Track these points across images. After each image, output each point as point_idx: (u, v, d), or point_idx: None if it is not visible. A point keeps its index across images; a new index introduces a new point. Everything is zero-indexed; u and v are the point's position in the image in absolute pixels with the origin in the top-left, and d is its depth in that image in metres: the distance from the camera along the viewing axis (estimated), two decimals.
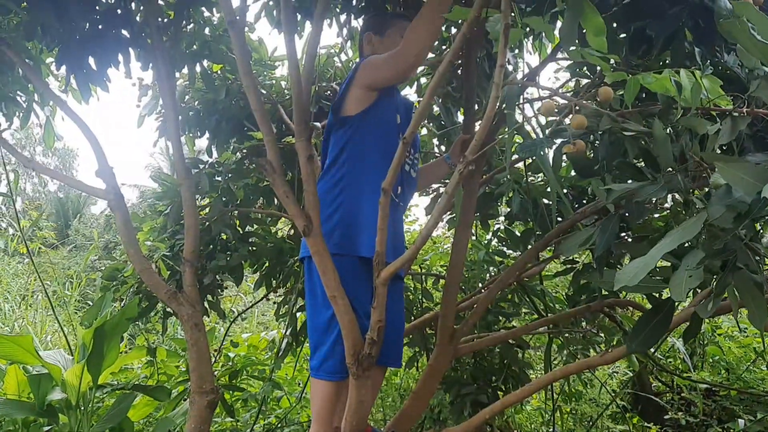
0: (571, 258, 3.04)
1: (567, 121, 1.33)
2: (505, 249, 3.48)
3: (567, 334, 3.14)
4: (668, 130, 1.28)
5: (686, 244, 1.11)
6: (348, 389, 2.04)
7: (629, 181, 1.30)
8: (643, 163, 1.36)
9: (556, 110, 1.22)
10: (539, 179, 3.21)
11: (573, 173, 3.09)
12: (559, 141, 1.52)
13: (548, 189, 2.98)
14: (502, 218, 3.42)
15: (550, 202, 2.83)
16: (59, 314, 5.82)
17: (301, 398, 4.02)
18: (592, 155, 1.46)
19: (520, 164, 2.94)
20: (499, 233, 3.43)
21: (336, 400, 2.12)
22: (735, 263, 1.14)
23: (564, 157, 1.87)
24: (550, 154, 1.81)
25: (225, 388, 3.55)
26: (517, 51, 3.15)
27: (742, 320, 4.67)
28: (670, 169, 1.25)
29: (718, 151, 1.29)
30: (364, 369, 1.90)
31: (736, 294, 1.18)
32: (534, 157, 1.66)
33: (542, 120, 1.77)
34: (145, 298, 3.36)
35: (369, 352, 1.87)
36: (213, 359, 3.89)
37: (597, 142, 1.45)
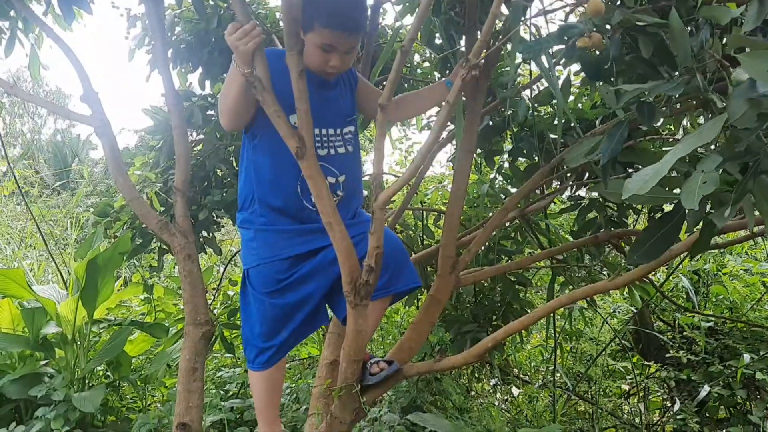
0: (576, 194, 2.95)
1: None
2: (509, 187, 3.39)
3: (570, 272, 3.08)
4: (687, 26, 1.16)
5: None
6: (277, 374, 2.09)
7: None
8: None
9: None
10: (545, 114, 3.09)
11: (579, 105, 2.97)
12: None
13: (555, 122, 2.87)
14: (506, 156, 3.31)
15: (556, 137, 2.73)
16: (58, 256, 5.78)
17: None
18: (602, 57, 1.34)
19: (526, 92, 2.82)
20: (503, 170, 3.33)
21: (271, 388, 2.12)
22: (758, 167, 1.03)
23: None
24: (562, 77, 1.69)
25: (224, 327, 3.52)
26: None
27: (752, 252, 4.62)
28: (687, 67, 1.13)
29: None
30: (361, 297, 1.84)
31: (753, 201, 1.08)
32: (535, 63, 1.54)
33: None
34: (139, 235, 3.29)
35: (366, 279, 1.80)
36: (212, 298, 3.86)
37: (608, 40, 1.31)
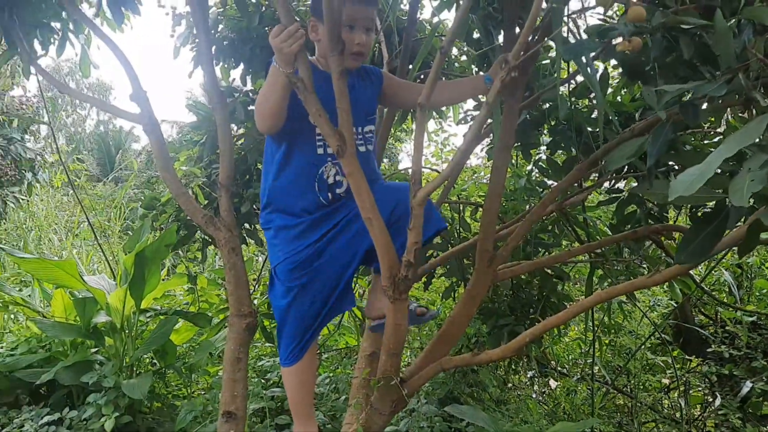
0: (615, 187, 2.93)
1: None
2: (546, 180, 3.38)
3: (609, 266, 3.06)
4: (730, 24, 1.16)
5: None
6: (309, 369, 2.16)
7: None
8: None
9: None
10: (583, 106, 3.07)
11: (618, 98, 2.95)
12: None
13: (593, 115, 2.85)
14: (543, 147, 3.30)
15: (595, 130, 2.71)
16: (103, 245, 5.97)
17: (339, 326, 4.06)
18: (643, 58, 1.34)
19: (563, 88, 2.81)
20: (540, 163, 3.33)
21: (300, 382, 2.18)
22: None
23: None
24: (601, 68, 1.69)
25: (264, 317, 3.60)
26: None
27: None
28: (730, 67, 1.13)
29: None
30: (400, 292, 1.88)
31: None
32: (576, 64, 1.55)
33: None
34: (183, 227, 3.39)
35: (406, 274, 1.84)
36: (253, 288, 3.95)
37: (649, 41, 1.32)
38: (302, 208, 2.07)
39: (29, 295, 3.78)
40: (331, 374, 3.44)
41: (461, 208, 3.46)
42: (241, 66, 3.66)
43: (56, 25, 3.24)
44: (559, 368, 4.38)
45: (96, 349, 3.41)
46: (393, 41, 3.11)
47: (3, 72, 3.19)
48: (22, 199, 7.76)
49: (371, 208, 1.84)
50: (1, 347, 3.57)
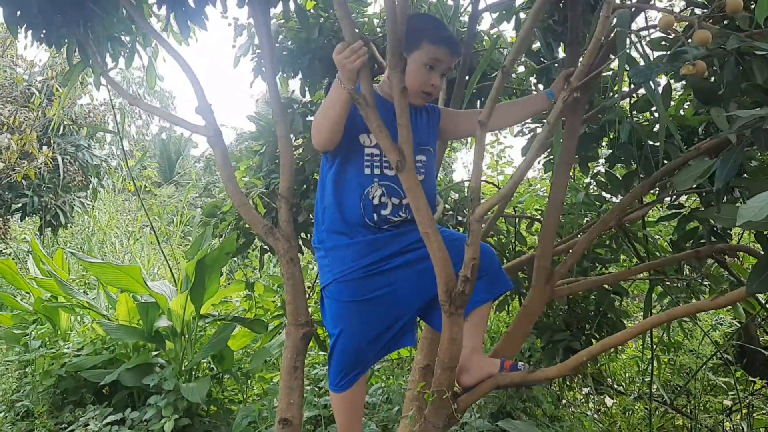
0: (676, 202, 2.86)
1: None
2: (604, 193, 3.32)
3: (669, 282, 2.99)
4: None
5: None
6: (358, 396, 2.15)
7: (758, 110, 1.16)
8: None
9: (675, 25, 1.10)
10: (644, 120, 3.01)
11: (681, 112, 2.88)
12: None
13: (654, 129, 2.80)
14: (602, 161, 3.25)
15: (656, 144, 2.66)
16: (163, 248, 6.15)
17: None
18: (714, 80, 1.32)
19: (624, 102, 2.77)
20: (598, 176, 3.28)
21: (348, 409, 2.18)
22: None
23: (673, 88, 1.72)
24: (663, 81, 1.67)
25: (318, 324, 3.65)
26: None
27: None
28: None
29: None
30: (456, 307, 1.88)
31: None
32: (643, 86, 1.53)
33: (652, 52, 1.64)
34: (242, 235, 3.47)
35: (462, 289, 1.84)
36: (307, 296, 4.00)
37: (716, 67, 1.30)
38: (352, 229, 2.07)
39: (95, 298, 3.94)
40: (383, 385, 3.46)
41: (517, 221, 3.43)
42: (300, 76, 3.73)
43: (126, 38, 3.39)
44: (615, 386, 4.28)
45: (157, 352, 3.52)
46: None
47: (74, 82, 3.36)
48: (87, 204, 8.07)
49: (429, 223, 1.86)
50: (68, 348, 3.72)
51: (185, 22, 2.88)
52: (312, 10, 3.51)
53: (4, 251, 8.89)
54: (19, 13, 2.88)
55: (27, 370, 3.68)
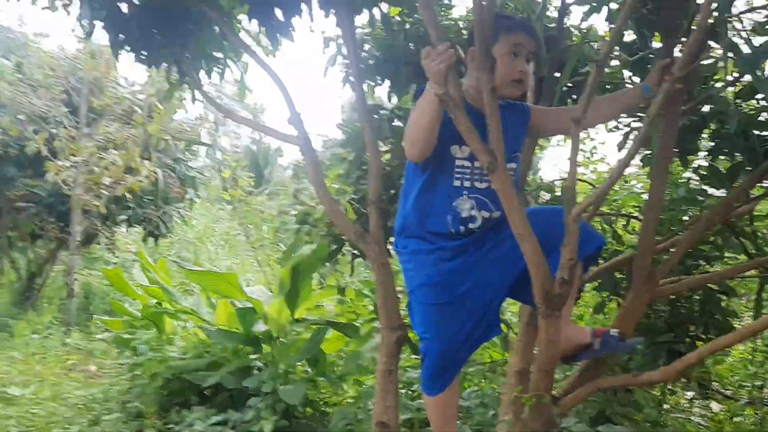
0: None
1: None
2: (706, 188, 3.15)
3: None
4: None
5: None
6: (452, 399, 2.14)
7: None
8: None
9: None
10: (749, 108, 2.84)
11: None
12: None
13: (760, 117, 2.64)
14: (703, 153, 3.09)
15: (762, 133, 2.50)
16: (256, 255, 6.36)
17: None
18: None
19: (728, 90, 2.62)
20: (699, 169, 3.11)
21: (443, 412, 2.17)
22: None
23: None
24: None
25: (409, 328, 3.66)
26: None
27: None
28: None
29: None
30: (553, 308, 1.84)
31: None
32: (748, 73, 1.44)
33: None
34: (333, 241, 3.54)
35: (559, 291, 1.81)
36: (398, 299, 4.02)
37: None
38: (436, 235, 2.06)
39: (195, 304, 4.12)
40: (477, 389, 3.43)
41: (613, 220, 3.32)
42: (386, 83, 3.76)
43: (218, 54, 3.53)
44: (722, 390, 4.05)
45: (255, 355, 3.64)
46: (538, 51, 3.06)
47: (172, 98, 3.57)
48: (185, 214, 8.45)
49: (523, 225, 1.83)
50: (173, 352, 3.91)
51: (274, 34, 2.97)
52: (396, 17, 3.53)
53: (111, 261, 9.48)
54: (122, 36, 3.06)
55: (137, 372, 3.89)
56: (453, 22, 3.58)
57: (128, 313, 4.51)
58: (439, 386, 2.10)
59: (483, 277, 2.02)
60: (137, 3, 2.91)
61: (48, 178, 5.99)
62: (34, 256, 8.30)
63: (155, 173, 6.34)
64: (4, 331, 6.06)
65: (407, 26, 3.50)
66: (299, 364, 3.72)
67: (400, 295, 4.11)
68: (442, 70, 1.79)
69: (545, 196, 3.78)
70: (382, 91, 3.82)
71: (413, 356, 3.97)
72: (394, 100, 3.76)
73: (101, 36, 3.13)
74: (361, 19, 3.24)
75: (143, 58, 3.17)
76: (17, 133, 6.12)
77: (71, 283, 6.12)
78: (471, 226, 2.02)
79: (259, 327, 3.47)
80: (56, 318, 6.34)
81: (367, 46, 3.71)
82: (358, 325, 3.68)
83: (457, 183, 2.05)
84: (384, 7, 3.23)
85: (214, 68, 3.52)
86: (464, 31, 3.58)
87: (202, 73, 3.46)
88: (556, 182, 3.61)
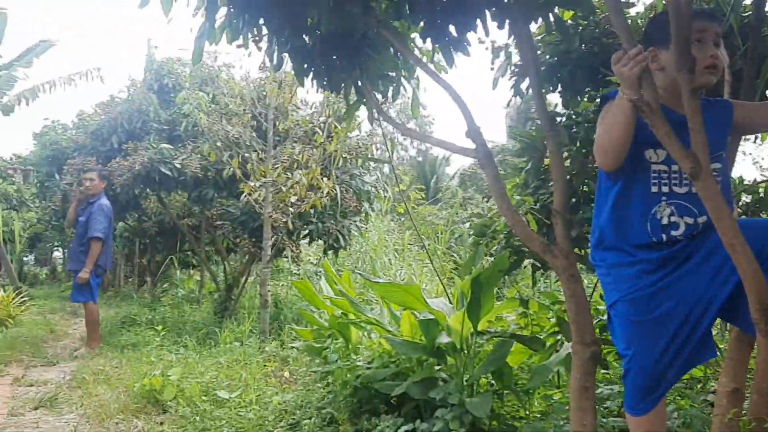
0: None
1: None
2: None
3: None
4: None
5: None
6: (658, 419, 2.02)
7: None
8: None
9: None
10: None
11: None
12: None
13: None
14: None
15: None
16: (435, 266, 6.46)
17: None
18: None
19: None
20: None
21: None
22: None
23: None
24: None
25: (603, 342, 3.51)
26: None
27: None
28: None
29: None
30: None
31: None
32: None
33: None
34: (513, 252, 3.49)
35: None
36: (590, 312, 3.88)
37: None
38: (636, 247, 1.98)
39: (379, 315, 4.26)
40: (677, 408, 3.19)
41: None
42: (560, 89, 3.66)
43: (392, 74, 3.66)
44: None
45: (439, 366, 3.69)
46: (733, 43, 2.81)
47: (351, 118, 3.78)
48: (362, 227, 8.80)
49: (735, 234, 1.69)
50: (360, 361, 4.07)
51: (448, 50, 3.01)
52: (570, 20, 3.43)
53: (294, 272, 10.13)
54: (306, 65, 3.28)
55: (328, 380, 4.11)
56: (630, 21, 3.41)
57: (317, 323, 4.78)
58: (644, 407, 1.99)
59: (690, 293, 1.89)
60: (319, 32, 3.10)
61: (242, 199, 6.54)
62: (230, 270, 9.10)
63: (335, 189, 6.68)
64: (211, 338, 6.70)
65: (581, 29, 3.40)
66: (483, 376, 3.71)
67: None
68: (635, 75, 1.72)
69: (746, 198, 3.47)
70: (555, 98, 3.75)
71: (603, 371, 3.79)
72: (571, 105, 3.65)
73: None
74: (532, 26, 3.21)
75: (325, 83, 3.37)
76: (215, 158, 6.76)
77: (265, 294, 6.61)
78: (673, 233, 1.91)
79: (443, 338, 3.51)
80: (253, 327, 6.89)
81: (539, 53, 3.65)
82: (541, 338, 3.59)
83: (654, 189, 1.96)
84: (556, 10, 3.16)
85: (389, 87, 3.66)
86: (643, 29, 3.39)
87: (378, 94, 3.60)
88: (760, 183, 3.30)
